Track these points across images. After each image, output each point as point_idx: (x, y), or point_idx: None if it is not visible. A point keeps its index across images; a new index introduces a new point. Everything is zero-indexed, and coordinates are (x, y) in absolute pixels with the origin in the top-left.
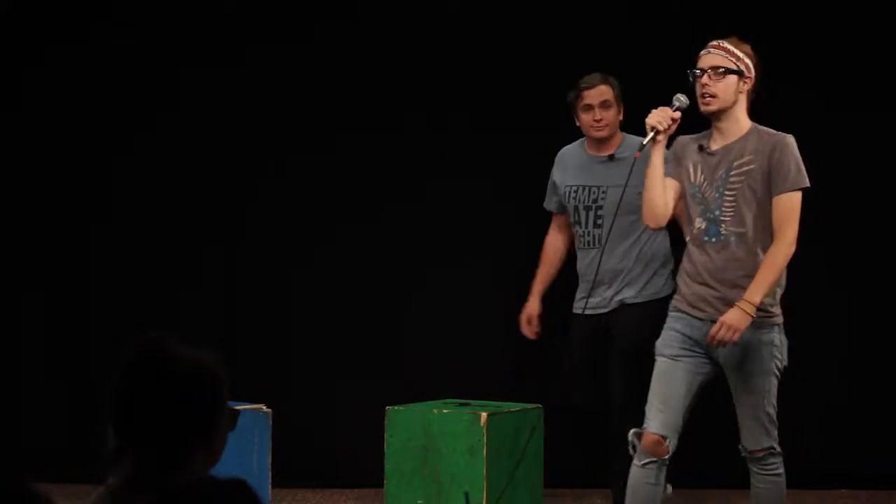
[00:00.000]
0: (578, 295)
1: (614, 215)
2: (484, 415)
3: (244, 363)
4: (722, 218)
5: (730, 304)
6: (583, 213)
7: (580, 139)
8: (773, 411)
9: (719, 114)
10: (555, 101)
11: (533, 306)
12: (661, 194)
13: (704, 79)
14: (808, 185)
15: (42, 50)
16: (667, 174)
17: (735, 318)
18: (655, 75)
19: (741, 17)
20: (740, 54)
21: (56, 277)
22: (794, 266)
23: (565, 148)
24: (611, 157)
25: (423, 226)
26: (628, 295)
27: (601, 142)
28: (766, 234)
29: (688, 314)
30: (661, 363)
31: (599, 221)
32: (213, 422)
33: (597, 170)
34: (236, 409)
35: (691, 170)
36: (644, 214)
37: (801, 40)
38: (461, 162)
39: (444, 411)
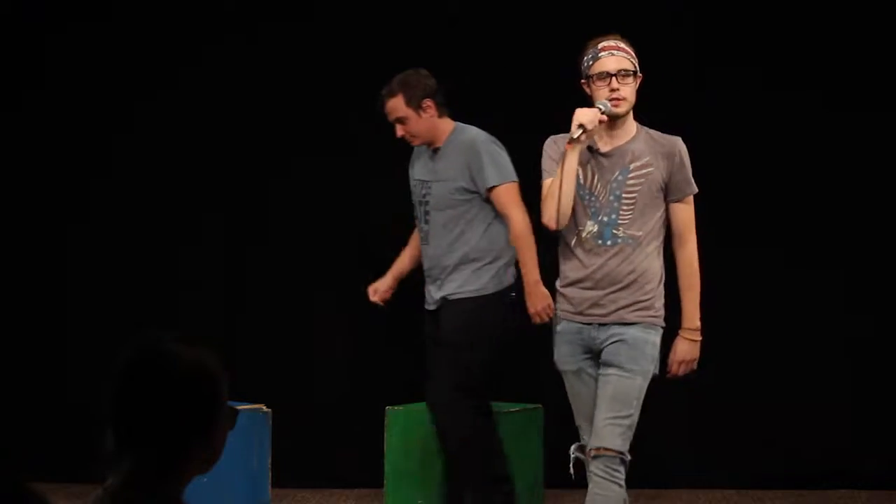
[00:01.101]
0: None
1: (438, 210)
2: None
3: (244, 363)
4: (619, 221)
5: (617, 301)
6: (418, 209)
7: None
8: (636, 417)
9: (620, 116)
10: (554, 100)
11: (383, 280)
12: (572, 195)
13: (614, 82)
14: (697, 190)
15: (39, 49)
16: (551, 174)
17: (688, 351)
18: (655, 75)
19: (741, 18)
20: (634, 54)
21: (56, 276)
22: (795, 266)
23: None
24: (435, 152)
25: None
26: (448, 292)
27: (430, 141)
28: (653, 236)
29: (575, 322)
30: (567, 380)
31: (427, 217)
32: (213, 421)
33: (428, 164)
34: (236, 409)
35: (579, 172)
36: (552, 216)
37: (794, 41)
38: None
39: None
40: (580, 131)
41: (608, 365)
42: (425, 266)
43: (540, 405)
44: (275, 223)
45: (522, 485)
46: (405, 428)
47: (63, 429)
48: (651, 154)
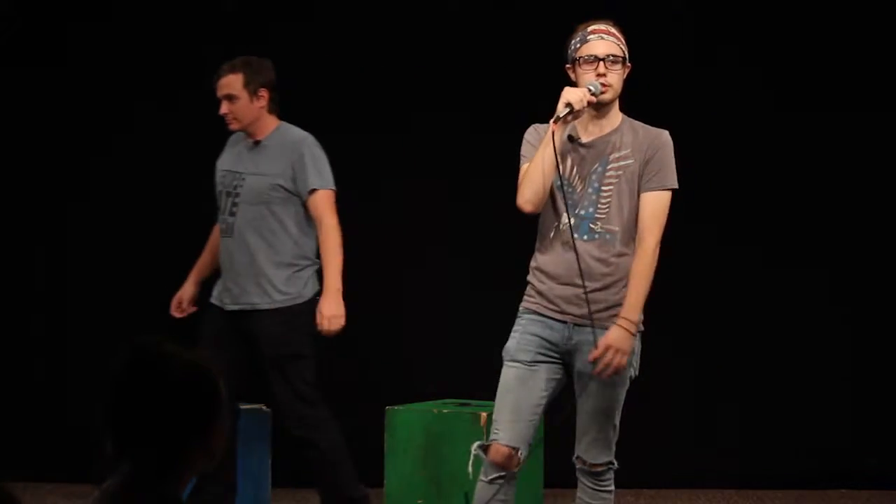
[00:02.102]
0: (218, 287)
1: (249, 204)
2: (484, 415)
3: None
4: (597, 215)
5: (597, 302)
6: (224, 199)
7: None
8: (618, 423)
9: (604, 105)
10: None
11: (185, 290)
12: (551, 177)
13: (601, 67)
14: (677, 186)
15: (39, 48)
16: (530, 159)
17: (620, 339)
18: (650, 76)
19: (743, 20)
20: (624, 41)
21: (56, 277)
22: (798, 268)
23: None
24: (256, 143)
25: (422, 225)
26: (265, 298)
27: (249, 130)
28: (631, 233)
29: (547, 316)
30: (515, 369)
31: (234, 210)
32: (211, 420)
33: (244, 156)
34: (238, 408)
35: (559, 162)
36: (529, 198)
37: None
38: (461, 162)
39: (444, 411)
40: (567, 110)
41: (589, 377)
42: (224, 260)
43: None
44: None
45: (522, 484)
46: (405, 428)
47: (63, 429)
48: (633, 146)
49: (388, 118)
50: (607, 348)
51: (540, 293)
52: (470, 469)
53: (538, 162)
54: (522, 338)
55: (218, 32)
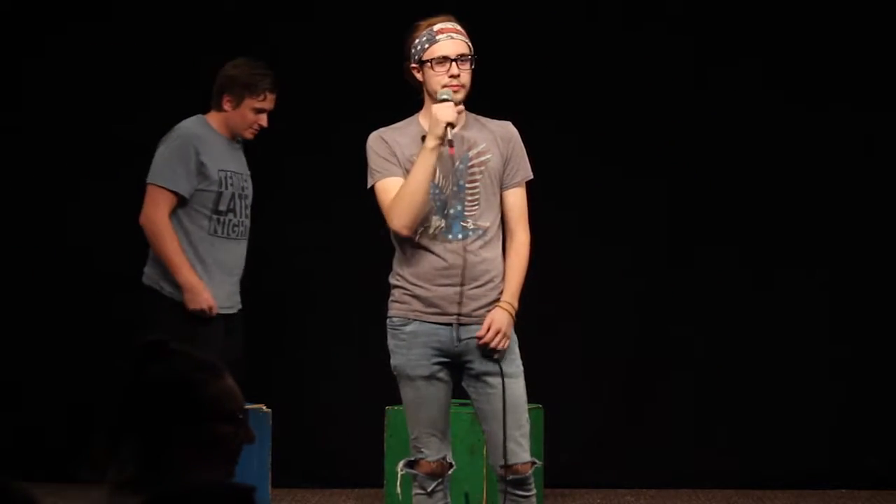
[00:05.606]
0: (226, 291)
1: (251, 207)
2: None
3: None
4: (466, 213)
5: (478, 299)
6: (238, 202)
7: (198, 117)
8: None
9: (457, 104)
10: (553, 98)
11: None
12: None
13: (454, 68)
14: (532, 175)
15: (39, 49)
16: (388, 174)
17: (505, 321)
18: (648, 77)
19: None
20: (467, 36)
21: (58, 277)
22: (798, 268)
23: (196, 125)
24: (241, 144)
25: None
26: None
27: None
28: (498, 226)
29: (430, 322)
30: (415, 388)
31: (247, 212)
32: (205, 422)
33: (231, 156)
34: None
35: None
36: (408, 224)
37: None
38: None
39: None
40: (451, 130)
41: (490, 374)
42: (235, 263)
43: (540, 405)
44: (274, 222)
45: None
46: (405, 428)
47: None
48: (486, 140)
49: (387, 119)
50: (494, 330)
51: (416, 297)
52: (399, 490)
53: (419, 186)
54: (411, 353)
55: (218, 32)
